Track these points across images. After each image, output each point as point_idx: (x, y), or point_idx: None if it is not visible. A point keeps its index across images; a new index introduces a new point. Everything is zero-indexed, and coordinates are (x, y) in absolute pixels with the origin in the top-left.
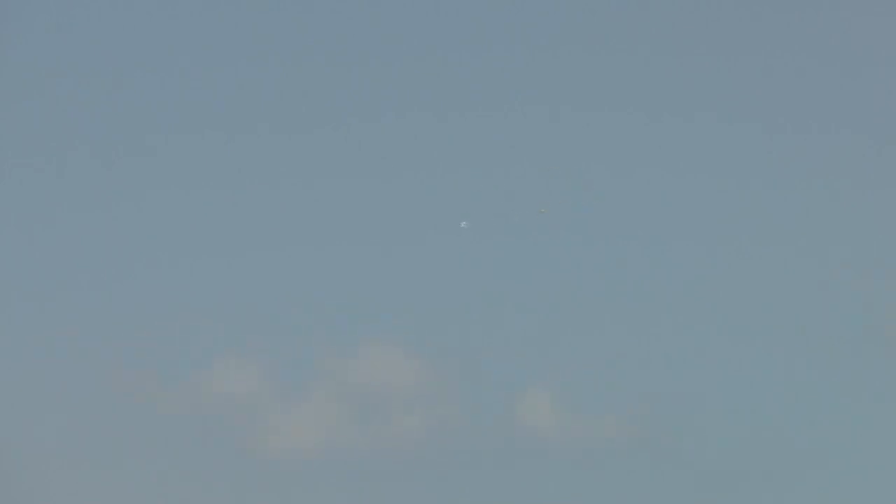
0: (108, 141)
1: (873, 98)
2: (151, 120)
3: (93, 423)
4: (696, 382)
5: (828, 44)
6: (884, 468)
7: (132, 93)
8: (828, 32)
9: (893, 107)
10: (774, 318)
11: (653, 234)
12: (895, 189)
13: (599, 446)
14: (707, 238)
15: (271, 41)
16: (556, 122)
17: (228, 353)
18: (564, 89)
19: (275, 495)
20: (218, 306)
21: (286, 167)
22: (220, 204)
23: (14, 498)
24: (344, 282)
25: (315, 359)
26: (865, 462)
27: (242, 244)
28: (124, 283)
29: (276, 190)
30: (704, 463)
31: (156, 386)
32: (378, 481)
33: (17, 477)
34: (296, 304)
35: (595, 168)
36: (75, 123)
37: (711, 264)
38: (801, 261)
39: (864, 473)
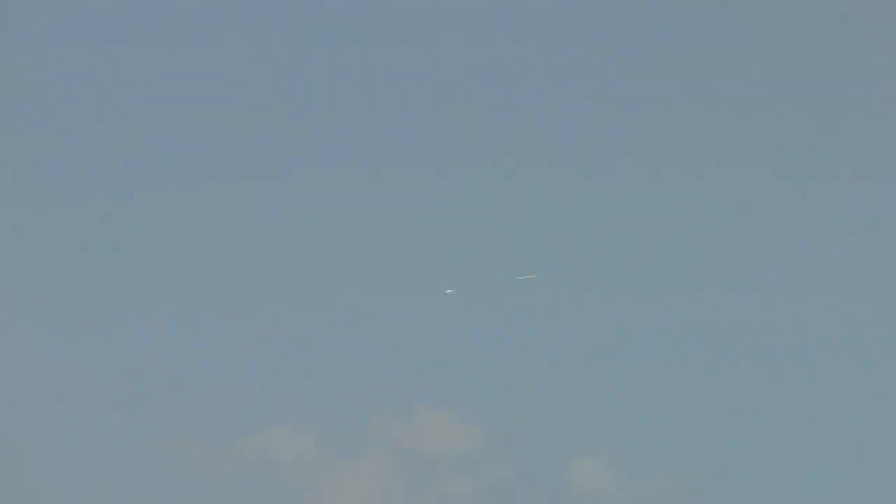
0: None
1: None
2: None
3: (146, 488)
4: (751, 442)
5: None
6: None
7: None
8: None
9: None
10: (825, 373)
11: (702, 298)
12: None
13: None
14: (759, 298)
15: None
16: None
17: (283, 418)
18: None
19: None
20: (275, 370)
21: (333, 223)
22: (271, 259)
23: None
24: (399, 346)
25: (369, 423)
26: None
27: (299, 309)
28: (180, 346)
29: (328, 248)
30: None
31: (208, 450)
32: None
33: None
34: (351, 369)
35: (638, 217)
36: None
37: (764, 321)
38: (858, 311)
39: None
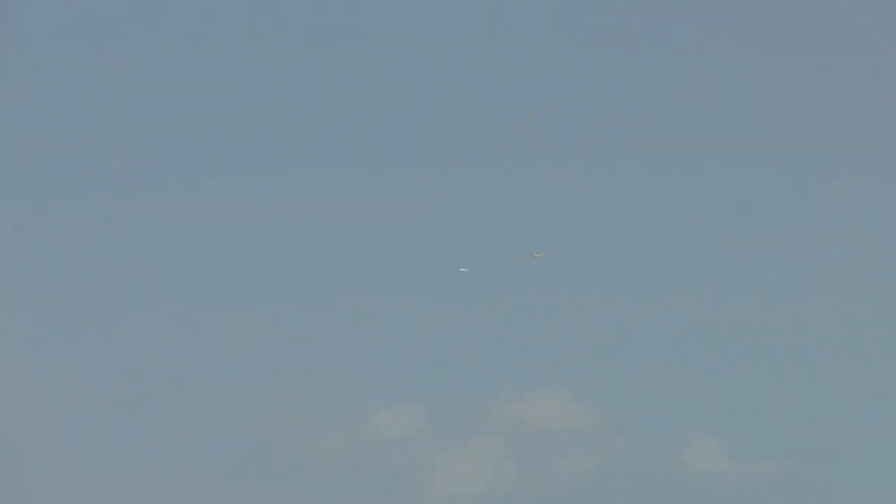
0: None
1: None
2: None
3: (262, 470)
4: (864, 424)
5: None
6: None
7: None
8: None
9: None
10: None
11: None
12: None
13: (767, 490)
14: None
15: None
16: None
17: (396, 398)
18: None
19: None
20: (389, 350)
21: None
22: (380, 241)
23: None
24: (512, 325)
25: (482, 402)
26: None
27: (415, 288)
28: (300, 328)
29: (437, 228)
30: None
31: (322, 431)
32: None
33: None
34: (464, 349)
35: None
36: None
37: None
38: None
39: None
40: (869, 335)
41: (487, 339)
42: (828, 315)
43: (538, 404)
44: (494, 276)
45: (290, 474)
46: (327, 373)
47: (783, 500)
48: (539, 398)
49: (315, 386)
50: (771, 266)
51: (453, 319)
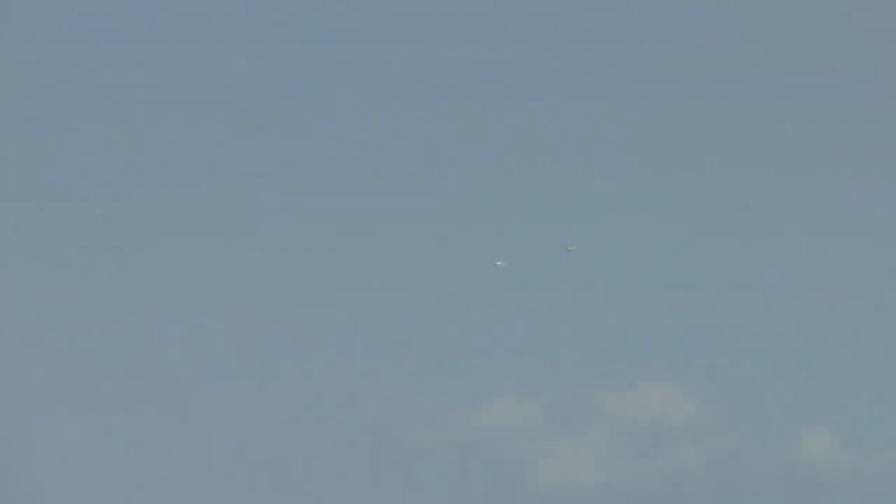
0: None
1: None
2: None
3: (373, 461)
4: None
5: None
6: None
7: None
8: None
9: None
10: None
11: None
12: None
13: (879, 480)
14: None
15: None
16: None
17: (510, 391)
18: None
19: None
20: (503, 343)
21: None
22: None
23: None
24: (623, 321)
25: (594, 395)
26: None
27: (528, 281)
28: (415, 321)
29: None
30: None
31: (434, 421)
32: None
33: None
34: (577, 343)
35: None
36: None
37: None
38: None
39: None
40: None
41: (600, 332)
42: None
43: (649, 397)
44: (603, 268)
45: (403, 466)
46: (439, 365)
47: None
48: (650, 391)
49: (427, 378)
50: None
51: (567, 312)
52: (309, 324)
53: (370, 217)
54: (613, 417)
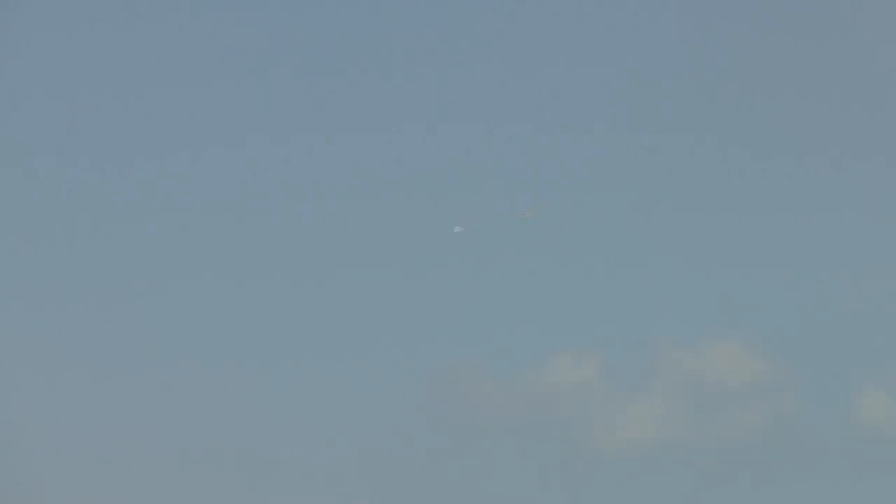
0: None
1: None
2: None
3: (429, 422)
4: None
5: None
6: None
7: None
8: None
9: None
10: None
11: None
12: None
13: None
14: None
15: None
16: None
17: (566, 347)
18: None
19: (608, 489)
20: (561, 297)
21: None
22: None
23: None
24: (683, 274)
25: (654, 352)
26: None
27: (589, 237)
28: (469, 279)
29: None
30: None
31: (492, 381)
32: (713, 475)
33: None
34: (635, 297)
35: None
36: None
37: None
38: None
39: None
40: None
41: (662, 288)
42: None
43: (712, 355)
44: (664, 223)
45: (462, 423)
46: (497, 324)
47: None
48: (713, 349)
49: (487, 335)
50: None
51: (626, 267)
52: (362, 291)
53: (407, 182)
54: (674, 375)
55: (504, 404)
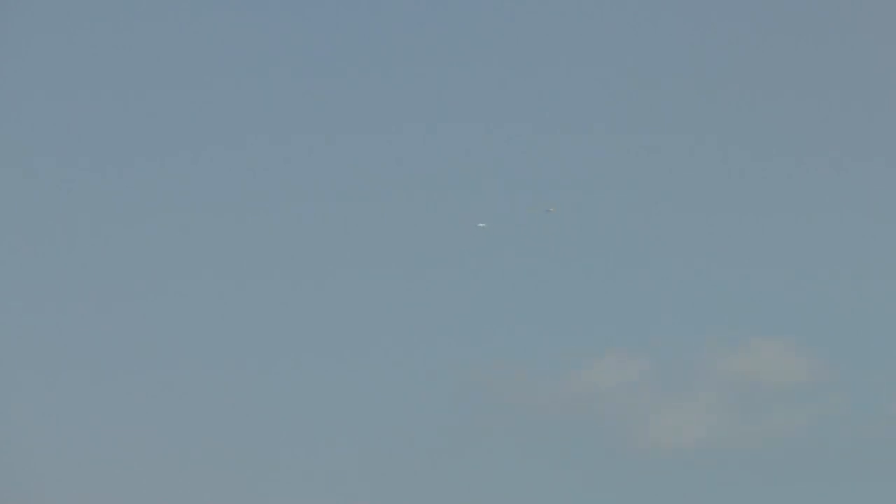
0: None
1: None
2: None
3: (475, 421)
4: None
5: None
6: None
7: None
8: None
9: None
10: None
11: None
12: None
13: None
14: None
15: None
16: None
17: (614, 348)
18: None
19: (657, 488)
20: (611, 299)
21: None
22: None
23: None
24: (730, 276)
25: (701, 353)
26: None
27: (635, 239)
28: (519, 277)
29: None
30: None
31: (539, 381)
32: (761, 476)
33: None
34: (682, 298)
35: None
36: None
37: None
38: None
39: None
40: None
41: (712, 287)
42: None
43: (761, 354)
44: (715, 223)
45: (508, 423)
46: (547, 322)
47: None
48: (762, 348)
49: (534, 335)
50: None
51: (673, 268)
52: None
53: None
54: (724, 374)
55: (553, 401)
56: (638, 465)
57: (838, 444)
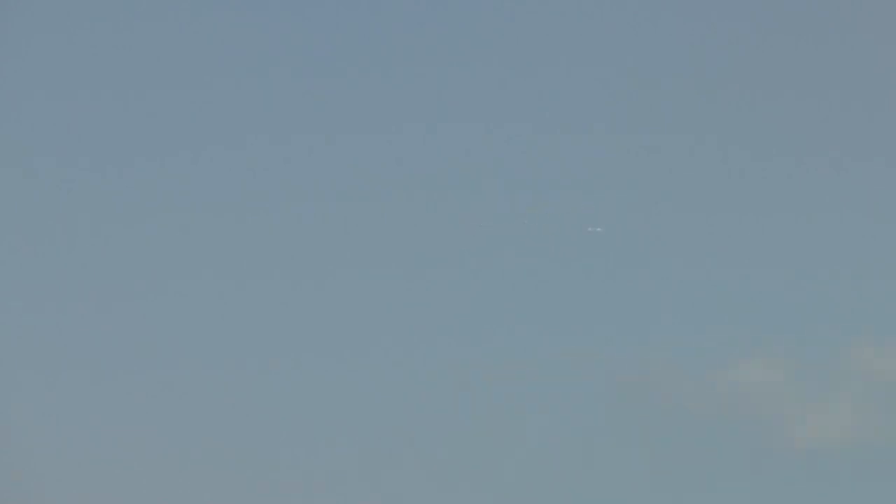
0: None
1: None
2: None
3: (614, 420)
4: None
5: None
6: None
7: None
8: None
9: None
10: None
11: None
12: None
13: None
14: None
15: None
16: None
17: (756, 349)
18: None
19: (800, 488)
20: (746, 300)
21: None
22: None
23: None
24: (879, 274)
25: (845, 355)
26: None
27: (775, 238)
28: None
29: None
30: None
31: (680, 382)
32: None
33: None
34: (827, 299)
35: None
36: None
37: None
38: None
39: None
40: None
41: (854, 284)
42: None
43: None
44: (858, 219)
45: (653, 424)
46: (691, 321)
47: None
48: None
49: (678, 335)
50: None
51: (817, 265)
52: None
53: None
54: (869, 373)
55: (696, 401)
56: (781, 465)
57: None
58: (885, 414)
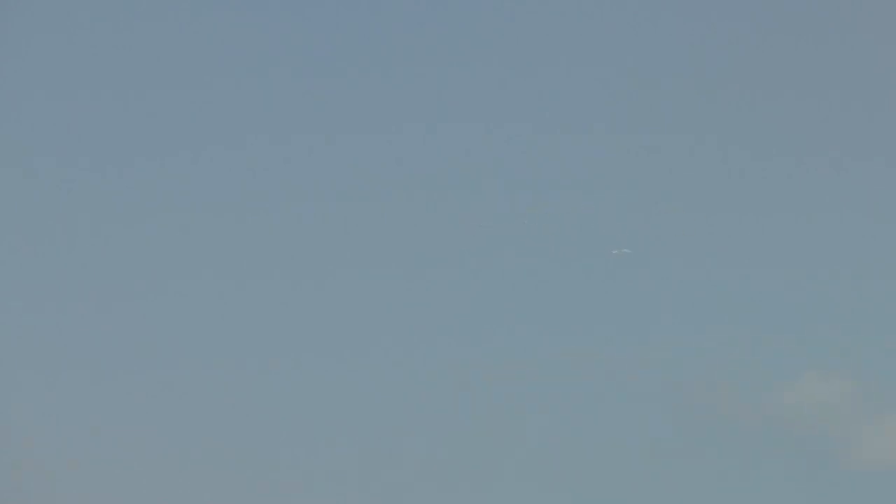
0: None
1: None
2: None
3: (682, 436)
4: None
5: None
6: None
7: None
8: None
9: None
10: None
11: None
12: None
13: None
14: None
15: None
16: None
17: (814, 366)
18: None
19: None
20: (805, 318)
21: None
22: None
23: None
24: None
25: None
26: None
27: (830, 257)
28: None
29: None
30: None
31: (737, 398)
32: None
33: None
34: (887, 315)
35: None
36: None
37: None
38: None
39: None
40: None
41: None
42: None
43: None
44: None
45: (711, 441)
46: (748, 340)
47: None
48: None
49: (735, 354)
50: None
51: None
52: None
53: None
54: None
55: (754, 420)
56: (843, 483)
57: None
58: None
